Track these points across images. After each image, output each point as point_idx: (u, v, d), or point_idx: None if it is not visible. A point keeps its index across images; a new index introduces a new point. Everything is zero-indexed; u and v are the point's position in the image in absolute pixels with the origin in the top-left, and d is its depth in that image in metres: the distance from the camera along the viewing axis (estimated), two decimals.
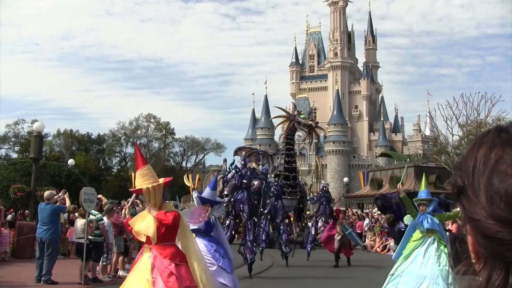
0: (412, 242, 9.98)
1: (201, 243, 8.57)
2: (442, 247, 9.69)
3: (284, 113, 30.21)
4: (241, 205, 15.23)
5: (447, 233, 14.99)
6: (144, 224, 6.29)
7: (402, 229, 13.38)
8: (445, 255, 9.55)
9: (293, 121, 27.17)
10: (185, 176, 35.18)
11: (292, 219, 29.37)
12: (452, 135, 42.39)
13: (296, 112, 28.08)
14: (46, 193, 13.25)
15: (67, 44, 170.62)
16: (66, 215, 18.64)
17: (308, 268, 17.63)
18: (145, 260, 6.25)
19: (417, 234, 10.00)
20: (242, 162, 16.17)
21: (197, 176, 60.51)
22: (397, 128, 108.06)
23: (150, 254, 6.24)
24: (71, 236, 16.16)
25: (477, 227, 0.91)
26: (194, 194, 9.44)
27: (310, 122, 26.30)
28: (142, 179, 6.36)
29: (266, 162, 32.17)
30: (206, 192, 9.25)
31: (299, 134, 27.80)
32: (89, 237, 12.59)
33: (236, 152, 32.84)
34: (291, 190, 27.76)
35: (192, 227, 8.40)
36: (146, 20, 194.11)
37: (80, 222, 13.15)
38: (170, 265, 6.06)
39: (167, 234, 6.23)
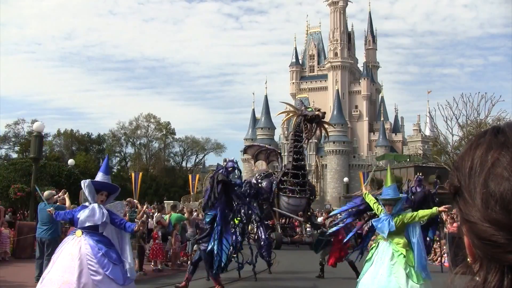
0: (373, 244, 9.08)
1: (86, 244, 7.32)
2: (398, 255, 8.31)
3: (291, 108, 29.85)
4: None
5: (446, 232, 14.58)
6: None
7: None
8: (401, 264, 8.19)
9: (300, 115, 26.85)
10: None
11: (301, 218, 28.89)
12: (452, 135, 42.45)
13: (303, 107, 27.83)
14: (46, 193, 13.24)
15: (69, 44, 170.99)
16: None
17: (310, 268, 17.61)
18: None
19: (377, 237, 9.02)
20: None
21: (197, 176, 60.51)
22: (397, 128, 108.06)
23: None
24: None
25: (472, 229, 0.91)
26: (85, 182, 7.81)
27: (317, 113, 26.00)
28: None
29: (275, 160, 31.84)
30: (100, 177, 7.93)
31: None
32: None
33: (245, 151, 32.52)
34: (300, 188, 27.40)
35: (88, 224, 7.51)
36: (149, 20, 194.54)
37: None
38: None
39: None
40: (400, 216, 8.53)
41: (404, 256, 8.18)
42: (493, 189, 0.88)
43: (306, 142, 28.15)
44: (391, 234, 8.41)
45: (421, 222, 8.87)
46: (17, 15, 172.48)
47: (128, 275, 7.51)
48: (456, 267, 0.99)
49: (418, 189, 15.36)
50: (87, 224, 7.51)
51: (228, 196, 11.27)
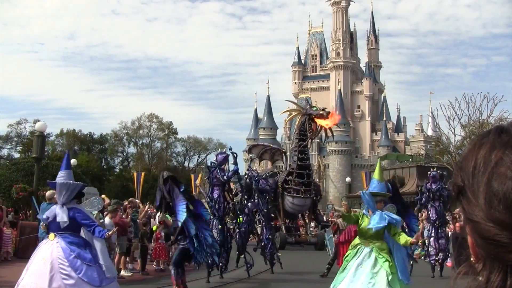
0: (349, 250, 8.20)
1: (58, 247, 7.03)
2: (382, 262, 7.63)
3: (295, 107, 29.67)
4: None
5: (449, 232, 14.34)
6: None
7: None
8: (384, 273, 7.54)
9: (305, 114, 26.71)
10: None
11: (306, 219, 28.78)
12: (454, 135, 42.46)
13: (308, 106, 27.69)
14: (48, 193, 13.26)
15: (72, 44, 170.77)
16: None
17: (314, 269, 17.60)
18: None
19: (355, 240, 8.17)
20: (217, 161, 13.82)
21: (200, 176, 60.51)
22: (399, 128, 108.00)
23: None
24: None
25: (475, 229, 0.90)
26: (61, 178, 7.44)
27: (321, 112, 25.86)
28: None
29: (280, 159, 31.70)
30: (58, 175, 7.51)
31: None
32: None
33: (250, 150, 32.39)
34: (305, 188, 27.23)
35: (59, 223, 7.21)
36: (152, 20, 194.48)
37: None
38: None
39: None
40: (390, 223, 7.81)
41: (389, 263, 7.58)
42: (496, 188, 0.88)
43: (310, 142, 28.03)
44: (372, 239, 7.78)
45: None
46: (20, 15, 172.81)
47: (107, 275, 7.23)
48: (459, 266, 0.99)
49: (433, 186, 15.03)
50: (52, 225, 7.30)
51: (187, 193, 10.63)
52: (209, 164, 14.21)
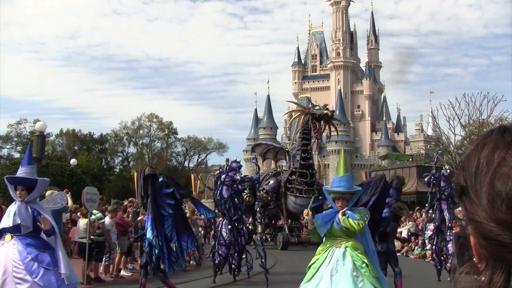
0: (316, 255, 6.90)
1: (14, 250, 6.43)
2: (360, 265, 6.55)
3: (298, 107, 29.54)
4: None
5: (450, 232, 13.79)
6: None
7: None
8: (367, 277, 6.50)
9: (308, 114, 26.58)
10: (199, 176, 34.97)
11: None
12: (454, 135, 42.46)
13: (310, 105, 27.53)
14: (48, 193, 13.26)
15: (73, 44, 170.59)
16: (68, 215, 18.67)
17: None
18: None
19: (324, 243, 6.94)
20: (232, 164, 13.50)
21: (200, 176, 60.51)
22: (399, 128, 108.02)
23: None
24: (74, 236, 16.18)
25: (478, 229, 0.90)
26: (23, 173, 6.82)
27: (325, 112, 25.75)
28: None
29: (283, 158, 31.62)
30: (19, 170, 6.81)
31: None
32: (91, 236, 12.60)
33: (253, 149, 32.27)
34: (308, 188, 27.11)
35: (3, 226, 6.63)
36: (153, 20, 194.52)
37: (82, 222, 13.17)
38: None
39: None
40: (346, 220, 6.71)
41: (367, 266, 6.56)
42: (499, 188, 0.88)
43: (316, 142, 27.86)
44: (343, 237, 6.71)
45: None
46: (21, 15, 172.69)
47: (66, 282, 6.51)
48: (462, 266, 0.99)
49: (443, 184, 13.68)
50: (6, 226, 6.58)
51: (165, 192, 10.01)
52: (227, 164, 13.47)
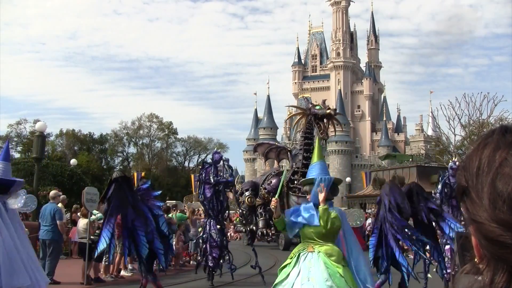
0: (289, 258, 6.16)
1: None
2: (333, 275, 5.76)
3: (298, 110, 29.57)
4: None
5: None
6: None
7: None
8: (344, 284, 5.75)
9: (309, 114, 26.65)
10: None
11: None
12: (455, 135, 42.50)
13: (310, 105, 27.60)
14: (52, 193, 13.31)
15: (73, 44, 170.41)
16: (68, 215, 18.69)
17: None
18: None
19: (299, 244, 6.27)
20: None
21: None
22: (399, 128, 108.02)
23: None
24: (74, 236, 16.18)
25: (479, 230, 0.90)
26: None
27: (328, 111, 25.81)
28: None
29: (285, 158, 31.67)
30: None
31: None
32: (91, 236, 12.60)
33: (255, 149, 32.31)
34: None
35: None
36: (154, 20, 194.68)
37: (82, 222, 13.17)
38: None
39: None
40: (327, 211, 5.94)
41: (343, 277, 5.77)
42: (501, 189, 0.88)
43: (323, 143, 27.90)
44: (317, 241, 5.97)
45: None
46: (21, 15, 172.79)
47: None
48: (463, 266, 0.98)
49: (452, 180, 12.34)
50: None
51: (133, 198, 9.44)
52: (208, 160, 13.47)
